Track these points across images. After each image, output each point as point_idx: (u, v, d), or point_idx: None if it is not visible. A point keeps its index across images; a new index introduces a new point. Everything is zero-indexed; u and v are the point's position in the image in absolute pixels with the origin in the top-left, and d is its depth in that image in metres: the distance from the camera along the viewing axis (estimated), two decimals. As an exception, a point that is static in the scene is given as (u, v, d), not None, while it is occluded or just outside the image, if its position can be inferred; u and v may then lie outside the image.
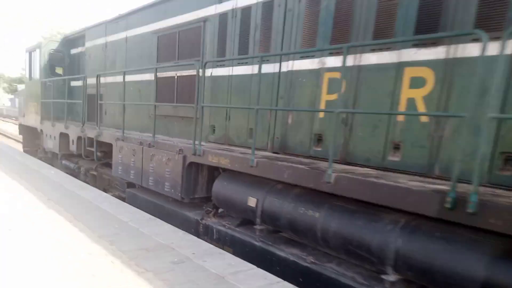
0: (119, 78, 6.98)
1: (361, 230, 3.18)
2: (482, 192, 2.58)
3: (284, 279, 3.33)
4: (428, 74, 3.16)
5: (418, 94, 3.23)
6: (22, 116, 12.03)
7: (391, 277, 3.00)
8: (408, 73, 3.28)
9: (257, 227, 4.18)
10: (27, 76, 11.16)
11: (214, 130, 5.40)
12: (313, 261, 3.61)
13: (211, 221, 4.81)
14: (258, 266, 3.63)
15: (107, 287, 3.05)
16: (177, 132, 6.14)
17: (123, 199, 6.42)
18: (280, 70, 4.40)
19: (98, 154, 7.59)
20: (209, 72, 5.35)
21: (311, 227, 3.57)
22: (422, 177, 3.18)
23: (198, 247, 3.96)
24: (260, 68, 3.90)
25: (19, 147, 12.82)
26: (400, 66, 3.33)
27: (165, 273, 3.33)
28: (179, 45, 5.94)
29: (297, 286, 3.21)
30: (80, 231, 4.37)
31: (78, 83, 8.95)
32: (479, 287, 2.52)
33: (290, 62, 4.29)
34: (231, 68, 5.06)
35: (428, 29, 3.15)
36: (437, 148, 3.14)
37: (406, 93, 3.30)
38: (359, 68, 3.64)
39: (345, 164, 3.76)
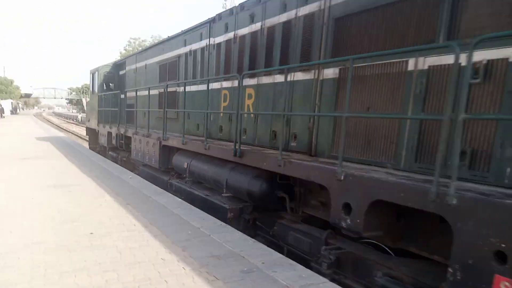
0: (139, 93, 10.88)
1: (218, 173, 6.47)
2: (265, 152, 5.73)
3: (195, 206, 6.63)
4: (252, 92, 6.35)
5: (250, 103, 6.42)
6: (87, 121, 16.87)
7: (226, 193, 6.26)
8: (247, 91, 6.48)
9: (187, 179, 7.62)
10: (91, 90, 15.86)
11: (184, 126, 8.92)
12: (207, 194, 6.92)
13: (173, 180, 8.34)
14: (187, 201, 6.99)
15: None
16: (170, 128, 9.79)
17: (139, 174, 10.21)
18: (208, 88, 7.77)
19: (130, 146, 11.56)
20: (181, 89, 8.93)
21: (205, 175, 6.92)
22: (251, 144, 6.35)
23: (268, 256, 4.16)
24: (183, 87, 7.37)
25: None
26: (245, 88, 6.54)
27: (234, 282, 3.50)
28: (168, 71, 9.61)
29: (200, 209, 6.47)
30: (155, 236, 4.77)
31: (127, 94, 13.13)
32: (245, 191, 5.70)
33: (212, 83, 7.65)
34: (189, 87, 8.55)
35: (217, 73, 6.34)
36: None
37: (247, 102, 6.50)
38: (233, 88, 6.91)
39: (229, 141, 7.02)
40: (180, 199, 6.71)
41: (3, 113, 54.93)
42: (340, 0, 4.66)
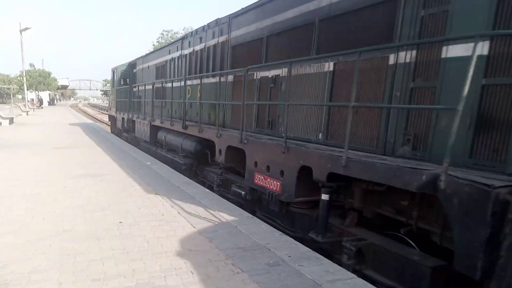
0: (141, 87, 14.81)
1: (178, 141, 10.24)
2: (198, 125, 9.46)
3: (168, 165, 10.40)
4: (199, 88, 10.03)
5: (199, 95, 10.10)
6: (109, 109, 21.15)
7: (181, 154, 10.02)
8: (198, 88, 10.17)
9: (164, 147, 11.45)
10: (111, 85, 20.06)
11: (168, 111, 12.76)
12: (174, 156, 10.69)
13: (158, 149, 12.19)
14: (163, 162, 10.77)
15: (203, 285, 3.43)
16: (161, 113, 13.64)
17: (143, 149, 14.14)
18: (180, 84, 11.49)
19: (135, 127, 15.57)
20: (166, 85, 12.77)
21: (172, 143, 10.72)
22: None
23: (294, 250, 4.28)
24: (166, 84, 11.19)
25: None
26: (198, 85, 10.23)
27: (260, 275, 3.63)
28: (161, 72, 13.44)
29: (169, 166, 10.26)
30: (182, 226, 4.95)
31: (135, 88, 17.18)
32: (189, 151, 9.43)
33: (184, 81, 11.38)
34: (171, 83, 12.32)
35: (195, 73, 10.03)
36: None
37: (198, 94, 10.19)
38: (192, 85, 10.63)
39: (191, 121, 10.74)
40: (208, 190, 7.39)
41: (42, 103, 61.16)
42: (233, 36, 8.25)
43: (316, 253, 4.29)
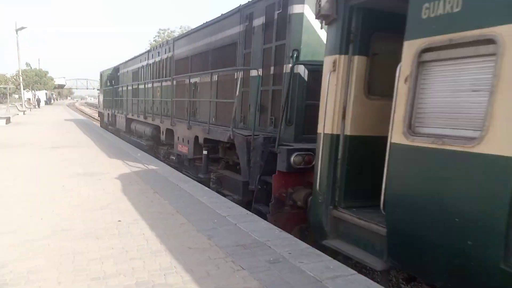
0: (120, 88, 18.84)
1: (143, 129, 14.29)
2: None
3: (137, 147, 14.41)
4: (160, 89, 14.07)
5: (159, 94, 14.13)
6: (99, 107, 25.27)
7: (144, 138, 14.08)
8: (158, 89, 14.20)
9: (135, 135, 15.52)
10: (100, 86, 24.15)
11: (138, 108, 16.80)
12: (140, 141, 14.69)
13: (132, 137, 16.19)
14: (135, 145, 14.78)
15: (203, 283, 3.48)
16: (132, 108, 17.62)
17: (121, 137, 18.14)
18: (138, 87, 15.49)
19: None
20: (139, 86, 16.84)
21: (139, 131, 14.76)
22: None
23: (294, 247, 4.39)
24: (137, 86, 15.28)
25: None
26: (157, 87, 14.27)
27: (260, 272, 3.69)
28: (135, 75, 17.46)
29: (137, 147, 14.29)
30: (181, 224, 5.10)
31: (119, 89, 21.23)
32: (149, 135, 13.50)
33: (149, 84, 15.40)
34: (140, 85, 16.35)
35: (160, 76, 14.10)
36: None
37: (158, 94, 14.22)
38: (155, 87, 14.67)
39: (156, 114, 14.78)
40: (206, 188, 7.61)
41: (39, 103, 64.82)
42: (176, 53, 12.20)
43: (316, 250, 4.45)
